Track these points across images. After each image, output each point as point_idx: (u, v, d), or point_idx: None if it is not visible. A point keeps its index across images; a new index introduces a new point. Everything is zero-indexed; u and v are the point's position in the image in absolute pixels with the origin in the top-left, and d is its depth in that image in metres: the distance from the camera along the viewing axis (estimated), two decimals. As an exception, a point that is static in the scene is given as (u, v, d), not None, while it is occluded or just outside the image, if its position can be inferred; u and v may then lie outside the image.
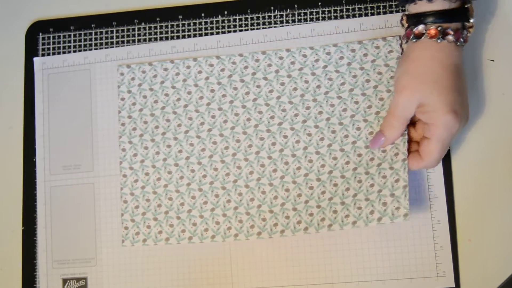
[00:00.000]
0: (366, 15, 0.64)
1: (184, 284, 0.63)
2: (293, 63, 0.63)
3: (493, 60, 0.62)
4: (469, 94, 0.60)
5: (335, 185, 0.60)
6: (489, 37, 0.62)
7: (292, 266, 0.61)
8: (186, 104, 0.64)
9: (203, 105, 0.64)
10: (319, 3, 0.65)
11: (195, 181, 0.63)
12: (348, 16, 0.64)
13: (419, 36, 0.54)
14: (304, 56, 0.63)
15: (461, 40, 0.54)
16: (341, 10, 0.64)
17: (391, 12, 0.63)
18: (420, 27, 0.54)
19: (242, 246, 0.62)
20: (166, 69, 0.65)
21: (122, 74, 0.66)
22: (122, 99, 0.65)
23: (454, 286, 0.59)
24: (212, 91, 0.64)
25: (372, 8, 0.64)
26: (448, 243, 0.59)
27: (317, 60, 0.63)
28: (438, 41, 0.54)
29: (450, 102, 0.53)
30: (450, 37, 0.54)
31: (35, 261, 0.66)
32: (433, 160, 0.55)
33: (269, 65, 0.63)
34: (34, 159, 0.67)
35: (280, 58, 0.63)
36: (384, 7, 0.64)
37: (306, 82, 0.62)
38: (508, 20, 0.62)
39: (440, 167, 0.61)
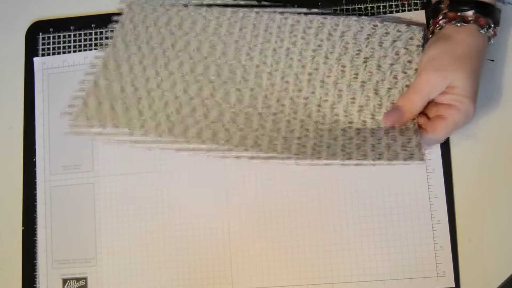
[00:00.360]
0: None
1: (184, 284, 0.63)
2: (309, 27, 0.62)
3: (493, 60, 0.62)
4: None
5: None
6: (489, 37, 0.62)
7: (292, 266, 0.61)
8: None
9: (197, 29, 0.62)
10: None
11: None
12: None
13: (466, 21, 0.55)
14: (323, 24, 0.62)
15: (494, 37, 0.57)
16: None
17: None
18: (471, 13, 0.55)
19: (242, 246, 0.62)
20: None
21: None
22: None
23: (454, 286, 0.59)
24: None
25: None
26: (448, 243, 0.59)
27: (336, 24, 0.62)
28: (483, 31, 0.55)
29: (476, 93, 0.54)
30: (491, 31, 0.55)
31: (35, 261, 0.66)
32: (442, 137, 0.55)
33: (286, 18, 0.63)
34: (34, 159, 0.67)
35: (298, 21, 0.62)
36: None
37: (321, 42, 0.61)
38: (508, 20, 0.62)
39: (440, 167, 0.61)
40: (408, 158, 0.53)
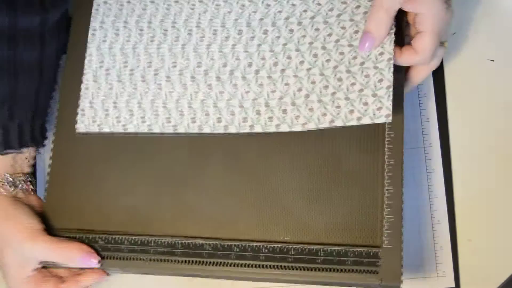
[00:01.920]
0: None
1: (184, 284, 0.62)
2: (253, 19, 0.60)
3: (493, 60, 0.62)
4: (469, 95, 0.60)
5: (313, 82, 0.56)
6: (489, 37, 0.62)
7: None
8: None
9: None
10: None
11: (163, 71, 0.60)
12: None
13: None
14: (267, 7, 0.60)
15: None
16: None
17: None
18: None
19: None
20: None
21: None
22: None
23: (454, 286, 0.59)
24: None
25: None
26: (448, 243, 0.59)
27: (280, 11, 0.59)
28: None
29: None
30: None
31: (35, 261, 0.66)
32: (428, 55, 0.53)
33: None
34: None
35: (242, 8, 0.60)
36: None
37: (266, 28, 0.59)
38: (508, 20, 0.62)
39: (440, 167, 0.61)
40: (377, 109, 0.52)
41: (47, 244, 0.57)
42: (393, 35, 0.53)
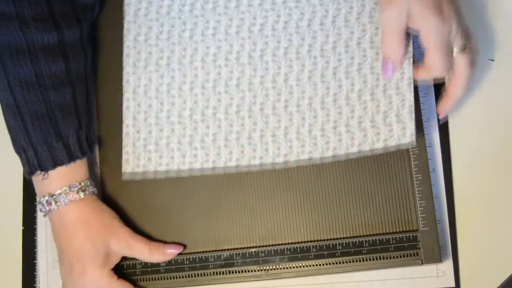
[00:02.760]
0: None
1: (184, 284, 0.63)
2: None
3: (493, 60, 0.62)
4: (469, 95, 0.60)
5: (340, 108, 0.59)
6: (489, 37, 0.62)
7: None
8: (191, 35, 0.62)
9: (209, 35, 0.62)
10: None
11: (198, 109, 0.62)
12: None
13: None
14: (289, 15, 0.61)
15: None
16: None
17: None
18: None
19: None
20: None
21: (128, 4, 0.64)
22: (128, 30, 0.64)
23: (454, 286, 0.59)
24: (217, 21, 0.62)
25: None
26: (448, 243, 0.59)
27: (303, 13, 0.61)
28: None
29: (434, 2, 0.52)
30: None
31: (35, 261, 0.66)
32: (438, 69, 0.54)
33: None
34: (34, 159, 0.67)
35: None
36: None
37: (290, 37, 0.61)
38: (508, 20, 0.62)
39: (440, 167, 0.61)
40: (401, 130, 0.56)
41: (131, 239, 0.60)
42: (411, 54, 0.56)
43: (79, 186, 0.59)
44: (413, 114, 0.56)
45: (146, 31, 0.63)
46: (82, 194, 0.59)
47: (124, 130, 0.63)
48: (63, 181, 0.59)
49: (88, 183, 0.60)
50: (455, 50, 0.54)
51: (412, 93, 0.56)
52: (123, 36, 0.64)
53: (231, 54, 0.62)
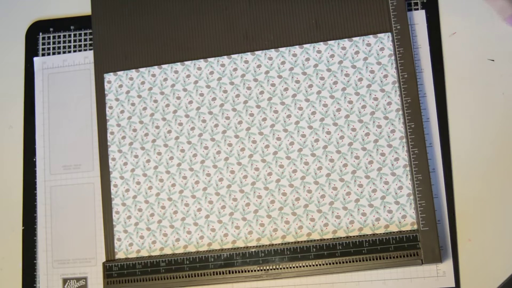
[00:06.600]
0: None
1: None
2: (283, 63, 0.62)
3: (493, 60, 0.62)
4: (469, 94, 0.60)
5: (335, 188, 0.60)
6: (489, 37, 0.62)
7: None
8: (175, 110, 0.63)
9: (193, 109, 0.63)
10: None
11: (187, 188, 0.62)
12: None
13: None
14: (294, 55, 0.62)
15: None
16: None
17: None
18: None
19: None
20: (153, 75, 0.64)
21: (109, 82, 0.65)
22: (110, 107, 0.65)
23: (454, 286, 0.59)
24: (201, 95, 0.63)
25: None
26: (448, 243, 0.59)
27: (307, 59, 0.62)
28: None
29: None
30: None
31: (35, 261, 0.66)
32: None
33: (259, 66, 0.63)
34: (34, 159, 0.67)
35: (270, 58, 0.63)
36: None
37: (297, 82, 0.62)
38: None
39: (440, 167, 0.61)
40: (402, 217, 0.58)
41: None
42: (404, 140, 0.59)
43: None
44: (412, 202, 0.58)
45: (129, 108, 0.64)
46: None
47: (114, 210, 0.64)
48: None
49: None
50: None
51: (409, 180, 0.59)
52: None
53: (217, 128, 0.62)
